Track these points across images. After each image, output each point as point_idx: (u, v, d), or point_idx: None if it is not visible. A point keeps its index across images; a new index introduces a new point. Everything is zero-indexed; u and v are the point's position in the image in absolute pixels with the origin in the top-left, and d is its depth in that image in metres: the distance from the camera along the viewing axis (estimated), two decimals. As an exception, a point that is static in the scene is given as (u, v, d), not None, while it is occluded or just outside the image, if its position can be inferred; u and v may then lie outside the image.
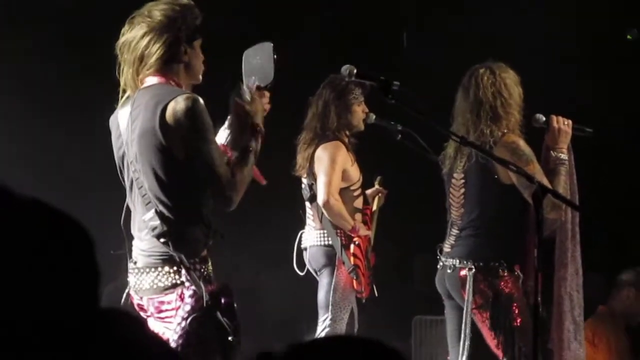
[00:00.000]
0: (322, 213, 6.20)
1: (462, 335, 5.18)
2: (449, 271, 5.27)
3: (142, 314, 3.99)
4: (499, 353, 5.17)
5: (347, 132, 6.30)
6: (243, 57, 4.16)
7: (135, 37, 3.94)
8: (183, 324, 3.83)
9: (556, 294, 5.20)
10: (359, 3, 8.78)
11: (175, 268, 3.89)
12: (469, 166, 5.26)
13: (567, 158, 5.18)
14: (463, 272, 5.19)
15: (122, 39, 3.99)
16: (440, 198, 5.45)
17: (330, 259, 6.23)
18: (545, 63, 8.11)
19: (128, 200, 4.07)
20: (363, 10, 8.74)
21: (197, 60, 4.04)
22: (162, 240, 3.88)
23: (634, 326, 6.94)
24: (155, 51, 3.93)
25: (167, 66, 3.96)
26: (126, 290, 4.05)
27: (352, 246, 6.19)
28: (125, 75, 4.00)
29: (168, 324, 3.90)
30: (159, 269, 3.91)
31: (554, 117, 5.21)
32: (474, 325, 5.19)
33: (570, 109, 5.47)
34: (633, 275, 6.92)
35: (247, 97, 4.02)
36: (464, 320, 5.17)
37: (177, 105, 3.83)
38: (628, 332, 6.90)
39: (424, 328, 8.16)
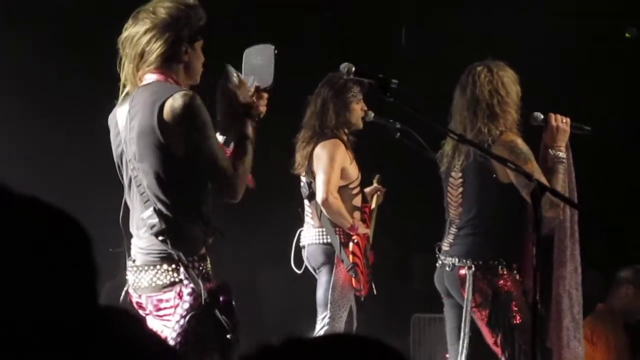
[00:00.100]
0: (321, 211, 6.20)
1: (462, 334, 5.18)
2: (448, 270, 5.28)
3: (140, 312, 3.99)
4: (498, 351, 5.17)
5: (346, 130, 6.30)
6: (244, 55, 4.15)
7: (137, 33, 3.94)
8: (181, 321, 3.83)
9: (555, 292, 5.20)
10: (358, 1, 8.78)
11: (173, 266, 3.89)
12: (467, 165, 5.26)
13: (565, 156, 5.18)
14: (462, 271, 5.19)
15: (124, 34, 3.99)
16: (439, 196, 5.46)
17: (329, 257, 6.24)
18: (544, 62, 8.11)
19: (126, 198, 4.07)
20: (362, 9, 8.74)
21: (197, 61, 4.04)
22: (160, 238, 3.88)
23: (632, 324, 6.93)
24: (156, 49, 3.93)
25: (166, 64, 3.96)
26: (125, 288, 4.06)
27: (351, 244, 6.19)
28: (126, 70, 4.00)
29: (166, 322, 3.90)
30: (158, 267, 3.91)
31: (552, 115, 5.21)
32: (473, 324, 5.20)
33: (569, 107, 5.47)
34: (632, 273, 6.90)
35: (235, 80, 4.02)
36: (463, 319, 5.18)
37: (175, 102, 3.84)
38: (627, 330, 6.89)
39: (423, 326, 8.16)
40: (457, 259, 5.24)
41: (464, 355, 5.20)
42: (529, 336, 4.41)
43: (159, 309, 3.93)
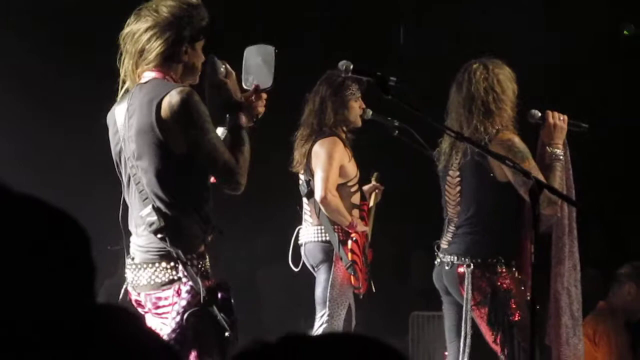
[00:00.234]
0: (320, 209, 6.20)
1: (463, 333, 5.18)
2: (446, 268, 5.28)
3: (139, 310, 3.99)
4: (497, 349, 5.17)
5: (344, 128, 6.30)
6: (244, 53, 4.16)
7: (139, 30, 3.95)
8: (178, 319, 3.83)
9: (553, 290, 5.20)
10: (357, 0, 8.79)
11: (172, 264, 3.89)
12: (464, 163, 5.26)
13: (562, 154, 5.18)
14: (461, 269, 5.19)
15: (126, 30, 3.99)
16: (437, 194, 5.46)
17: (328, 255, 6.23)
18: (542, 60, 8.11)
19: (125, 196, 4.07)
20: (360, 7, 8.74)
21: (197, 61, 4.03)
22: (159, 236, 3.88)
23: (634, 322, 6.87)
24: (156, 47, 3.93)
25: (165, 63, 3.97)
26: (124, 286, 4.06)
27: (349, 242, 6.19)
28: (126, 66, 4.00)
29: (165, 319, 3.90)
30: (157, 264, 3.92)
31: (550, 113, 5.21)
32: (473, 322, 5.20)
33: (567, 105, 5.47)
34: (634, 271, 6.84)
35: (222, 70, 4.02)
36: (463, 318, 5.18)
37: (172, 99, 3.84)
38: (628, 328, 6.83)
39: (421, 324, 8.16)
40: (455, 257, 5.24)
41: (466, 355, 5.19)
42: (528, 334, 4.41)
43: (158, 307, 3.94)
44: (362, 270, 6.23)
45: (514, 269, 5.15)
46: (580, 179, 5.29)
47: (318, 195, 6.14)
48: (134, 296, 4.02)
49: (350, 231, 6.20)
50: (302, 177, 6.34)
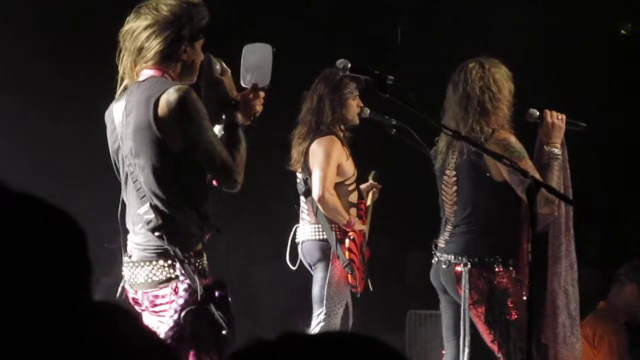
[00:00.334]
0: (317, 207, 6.20)
1: (462, 332, 5.18)
2: (444, 267, 5.28)
3: (136, 308, 3.99)
4: (494, 348, 5.18)
5: (342, 127, 6.30)
6: (243, 51, 4.15)
7: (138, 27, 3.94)
8: (176, 317, 3.83)
9: (550, 289, 5.20)
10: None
11: (169, 262, 3.89)
12: (461, 163, 5.26)
13: (560, 153, 5.19)
14: (458, 268, 5.19)
15: (126, 27, 3.99)
16: (435, 193, 5.46)
17: (325, 254, 6.23)
18: (541, 59, 8.11)
19: (123, 194, 4.07)
20: (359, 5, 8.74)
21: (196, 60, 4.03)
22: (156, 234, 3.88)
23: (634, 321, 6.77)
24: (155, 46, 3.93)
25: (164, 62, 3.97)
26: (121, 284, 4.06)
27: (347, 241, 6.19)
28: (124, 64, 4.00)
29: (162, 317, 3.90)
30: (154, 262, 3.92)
31: (548, 112, 5.21)
32: (471, 321, 5.20)
33: (565, 104, 5.48)
34: (635, 271, 6.74)
35: (217, 67, 4.02)
36: (462, 317, 5.18)
37: (169, 97, 3.84)
38: (628, 327, 6.73)
39: (418, 322, 8.16)
40: (452, 256, 5.24)
41: (466, 354, 5.19)
42: (524, 333, 4.41)
43: (155, 305, 3.94)
44: (359, 268, 6.23)
45: (511, 268, 5.16)
46: (578, 178, 5.29)
47: (315, 194, 6.13)
48: (131, 294, 4.02)
49: (347, 230, 6.20)
50: (299, 175, 6.34)
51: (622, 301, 6.70)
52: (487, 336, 5.18)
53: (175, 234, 3.89)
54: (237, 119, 4.00)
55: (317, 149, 6.18)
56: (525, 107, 5.25)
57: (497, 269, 5.14)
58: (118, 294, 4.06)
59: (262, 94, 4.11)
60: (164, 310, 3.89)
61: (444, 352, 5.53)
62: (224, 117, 4.01)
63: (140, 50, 3.95)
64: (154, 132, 3.86)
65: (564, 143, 5.23)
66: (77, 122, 7.08)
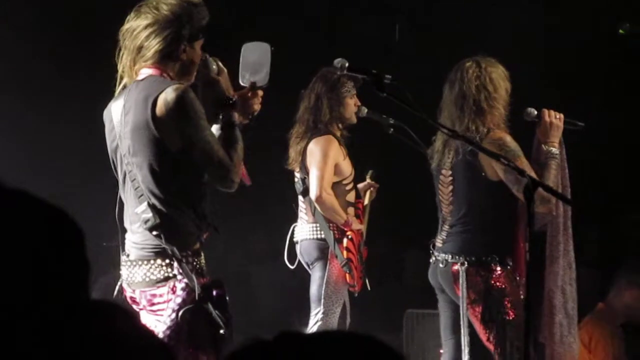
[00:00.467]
0: (315, 207, 6.20)
1: (462, 331, 5.18)
2: (441, 266, 5.28)
3: (134, 306, 3.99)
4: (490, 347, 5.18)
5: (340, 126, 6.30)
6: (242, 50, 4.16)
7: (138, 26, 3.95)
8: (173, 316, 3.83)
9: (547, 288, 5.20)
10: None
11: (167, 261, 3.89)
12: (456, 162, 5.26)
13: (558, 152, 5.19)
14: (455, 267, 5.20)
15: (126, 25, 3.99)
16: (432, 192, 5.46)
17: (323, 253, 6.24)
18: (539, 58, 8.11)
19: (121, 193, 4.07)
20: (358, 4, 8.75)
21: (195, 60, 4.03)
22: (154, 232, 3.88)
23: (631, 323, 6.70)
24: (154, 45, 3.93)
25: (163, 61, 3.97)
26: (119, 283, 4.06)
27: (345, 240, 6.19)
28: (124, 62, 4.01)
29: (160, 316, 3.90)
30: (152, 261, 3.92)
31: (546, 111, 5.21)
32: (469, 320, 5.20)
33: (563, 103, 5.48)
34: (636, 274, 6.65)
35: (214, 67, 4.03)
36: (461, 316, 5.18)
37: (167, 96, 3.84)
38: (624, 329, 6.67)
39: (416, 322, 8.16)
40: (450, 256, 5.24)
41: (466, 353, 5.19)
42: (522, 332, 4.41)
43: (153, 304, 3.93)
44: (357, 268, 6.23)
45: (508, 268, 5.16)
46: (576, 178, 5.29)
47: (313, 193, 6.14)
48: (128, 293, 4.02)
49: (345, 229, 6.20)
50: (297, 174, 6.34)
51: (622, 304, 6.59)
52: (483, 335, 5.19)
53: (173, 233, 3.89)
54: (234, 118, 4.01)
55: (314, 149, 6.18)
56: (524, 106, 5.25)
57: (494, 268, 5.14)
58: (116, 293, 4.06)
59: (260, 92, 4.11)
60: (162, 309, 3.90)
61: (441, 351, 5.53)
62: (221, 116, 4.01)
63: (139, 49, 3.96)
64: (151, 131, 3.86)
65: (562, 142, 5.24)
66: (77, 122, 7.08)
